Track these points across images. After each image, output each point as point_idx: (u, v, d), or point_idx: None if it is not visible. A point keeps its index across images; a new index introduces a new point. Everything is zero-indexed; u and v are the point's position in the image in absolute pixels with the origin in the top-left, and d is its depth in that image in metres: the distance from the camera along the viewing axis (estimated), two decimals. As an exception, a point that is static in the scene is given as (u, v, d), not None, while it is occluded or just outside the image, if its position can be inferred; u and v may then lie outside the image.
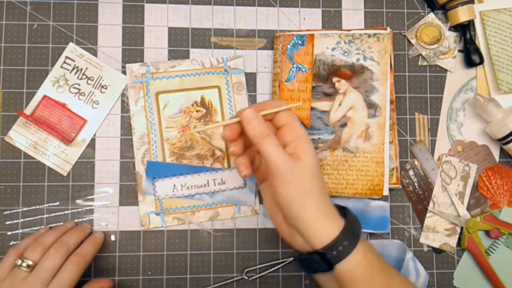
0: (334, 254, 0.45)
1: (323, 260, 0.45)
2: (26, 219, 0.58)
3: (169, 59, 0.61)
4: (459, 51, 0.64)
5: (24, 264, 0.49)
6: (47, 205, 0.58)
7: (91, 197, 0.59)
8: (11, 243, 0.57)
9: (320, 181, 0.46)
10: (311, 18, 0.63)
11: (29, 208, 0.58)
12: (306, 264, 0.48)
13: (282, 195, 0.45)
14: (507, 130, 0.59)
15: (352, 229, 0.46)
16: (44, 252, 0.51)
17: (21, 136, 0.58)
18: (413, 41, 0.63)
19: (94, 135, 0.59)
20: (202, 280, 0.59)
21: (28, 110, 0.58)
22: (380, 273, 0.46)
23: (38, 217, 0.58)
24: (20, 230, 0.57)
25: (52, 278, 0.49)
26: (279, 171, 0.44)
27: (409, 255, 0.60)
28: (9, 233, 0.57)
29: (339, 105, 0.60)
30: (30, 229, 0.57)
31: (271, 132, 0.46)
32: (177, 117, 0.60)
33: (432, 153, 0.63)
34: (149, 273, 0.59)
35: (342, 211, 0.49)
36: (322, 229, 0.45)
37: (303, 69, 0.61)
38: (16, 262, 0.50)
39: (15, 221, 0.57)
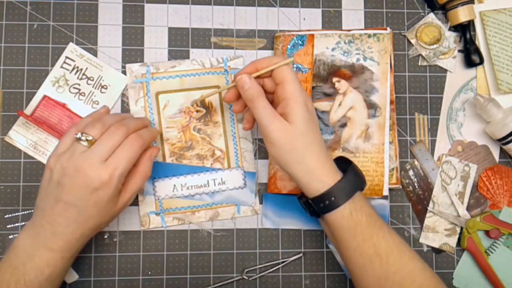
0: (321, 206, 0.49)
1: (312, 208, 0.51)
2: (27, 222, 0.58)
3: (169, 59, 0.61)
4: (459, 51, 0.64)
5: (83, 138, 0.48)
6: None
7: (91, 197, 0.59)
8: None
9: (308, 138, 0.49)
10: (311, 18, 0.63)
11: (29, 212, 0.58)
12: (303, 207, 0.53)
13: (271, 154, 0.51)
14: (507, 130, 0.59)
15: (345, 186, 0.49)
16: (104, 129, 0.49)
17: (21, 136, 0.58)
18: (413, 41, 0.63)
19: (94, 135, 0.59)
20: (202, 280, 0.59)
21: (28, 110, 0.58)
22: (366, 230, 0.49)
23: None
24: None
25: (110, 155, 0.48)
26: (265, 132, 0.49)
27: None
28: (11, 236, 0.58)
29: (339, 105, 0.60)
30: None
31: (261, 95, 0.50)
32: (177, 117, 0.60)
33: (432, 153, 0.63)
34: (149, 273, 0.59)
35: (345, 164, 0.52)
36: (312, 183, 0.49)
37: (303, 69, 0.61)
38: (76, 135, 0.49)
39: (16, 224, 0.58)
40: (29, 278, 0.48)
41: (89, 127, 0.49)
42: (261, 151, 0.61)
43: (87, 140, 0.48)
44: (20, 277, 0.47)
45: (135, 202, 0.59)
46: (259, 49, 0.62)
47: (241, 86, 0.50)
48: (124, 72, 0.60)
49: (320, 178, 0.49)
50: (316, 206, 0.50)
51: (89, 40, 0.60)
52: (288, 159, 0.49)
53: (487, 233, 0.61)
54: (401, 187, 0.62)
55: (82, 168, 0.47)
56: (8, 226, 0.57)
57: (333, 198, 0.49)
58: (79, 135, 0.49)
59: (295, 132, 0.48)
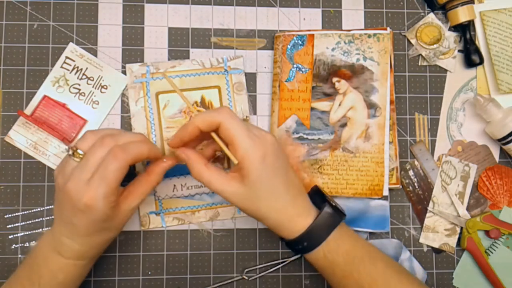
0: (296, 248, 0.50)
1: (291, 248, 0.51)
2: (27, 222, 0.58)
3: (169, 59, 0.61)
4: (459, 51, 0.64)
5: (70, 152, 0.47)
6: (47, 207, 0.58)
7: (91, 197, 0.59)
8: (12, 247, 0.57)
9: (270, 194, 0.48)
10: (311, 18, 0.63)
11: (29, 212, 0.58)
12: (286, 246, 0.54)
13: (241, 210, 0.51)
14: (507, 130, 0.59)
15: (318, 229, 0.49)
16: (94, 142, 0.47)
17: (21, 136, 0.58)
18: (413, 41, 0.63)
19: (94, 135, 0.59)
20: (202, 280, 0.59)
21: (28, 110, 0.58)
22: (344, 268, 0.49)
23: (39, 219, 0.58)
24: (21, 233, 0.58)
25: (94, 172, 0.45)
26: (223, 197, 0.49)
27: (406, 255, 0.60)
28: (11, 236, 0.58)
29: (339, 105, 0.60)
30: (31, 232, 0.58)
31: (202, 165, 0.48)
32: (177, 117, 0.60)
33: (432, 153, 0.63)
34: (149, 273, 0.59)
35: (320, 200, 0.52)
36: (283, 232, 0.50)
37: (303, 69, 0.61)
38: (65, 150, 0.48)
39: (16, 224, 0.58)
40: (44, 281, 0.48)
41: (80, 140, 0.47)
42: (261, 151, 0.61)
43: (75, 154, 0.47)
44: (35, 279, 0.48)
45: (135, 202, 0.59)
46: (259, 49, 0.62)
47: (182, 160, 0.50)
48: (124, 72, 0.60)
49: (290, 227, 0.49)
50: (292, 249, 0.51)
51: (89, 40, 0.60)
52: (255, 216, 0.50)
53: (487, 233, 0.61)
54: (401, 187, 0.62)
55: (68, 188, 0.45)
56: (8, 226, 0.57)
57: (305, 243, 0.49)
58: (66, 148, 0.47)
59: (254, 195, 0.48)
